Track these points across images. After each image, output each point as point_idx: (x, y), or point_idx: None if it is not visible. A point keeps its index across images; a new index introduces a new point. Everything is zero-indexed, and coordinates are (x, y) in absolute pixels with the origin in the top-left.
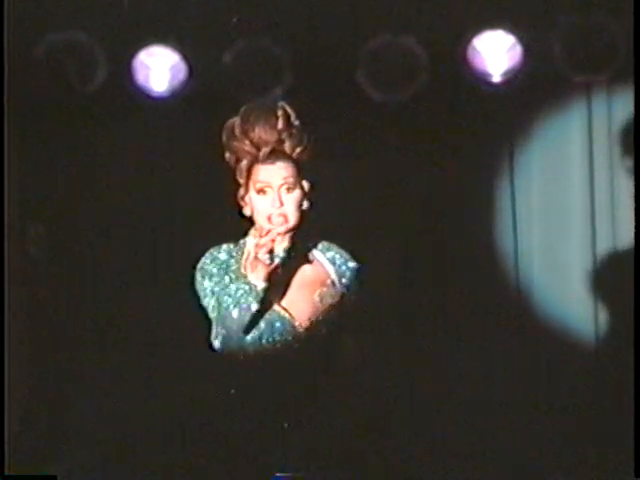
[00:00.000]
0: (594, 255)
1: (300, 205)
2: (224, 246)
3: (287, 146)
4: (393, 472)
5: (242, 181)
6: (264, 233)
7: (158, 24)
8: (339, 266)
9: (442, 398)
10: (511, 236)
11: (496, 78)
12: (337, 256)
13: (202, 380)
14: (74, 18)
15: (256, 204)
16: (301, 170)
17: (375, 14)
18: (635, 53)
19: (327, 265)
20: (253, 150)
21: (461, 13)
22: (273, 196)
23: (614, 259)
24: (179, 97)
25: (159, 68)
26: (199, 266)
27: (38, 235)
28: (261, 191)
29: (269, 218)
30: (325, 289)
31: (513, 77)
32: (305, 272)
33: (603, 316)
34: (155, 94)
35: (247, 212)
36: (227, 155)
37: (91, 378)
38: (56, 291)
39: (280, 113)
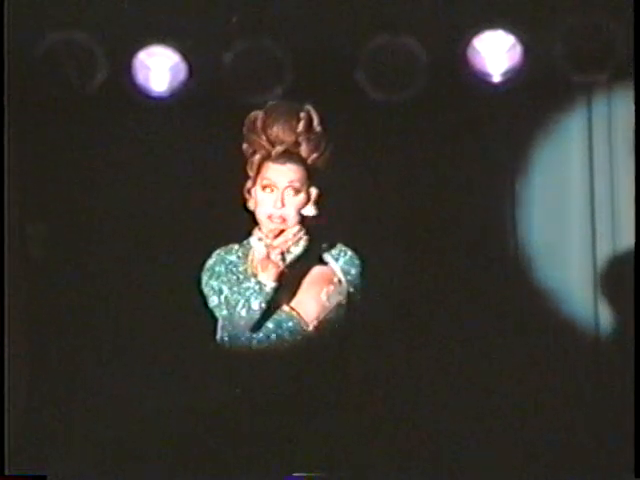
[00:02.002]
0: (594, 254)
1: (300, 209)
2: (230, 247)
3: (303, 149)
4: (399, 469)
5: (251, 174)
6: (277, 233)
7: (158, 24)
8: (344, 263)
9: (445, 395)
10: (512, 235)
11: (496, 78)
12: (342, 254)
13: (208, 379)
14: (74, 18)
15: (260, 200)
16: (312, 176)
17: (375, 14)
18: (635, 53)
19: (332, 263)
20: (268, 146)
21: (461, 13)
22: (277, 196)
23: (614, 259)
24: (179, 97)
25: (159, 68)
26: (206, 267)
27: (38, 235)
28: (267, 187)
29: (269, 217)
30: (332, 287)
31: (513, 77)
32: (312, 271)
33: (603, 316)
34: (155, 94)
35: (251, 206)
36: (245, 146)
37: (92, 378)
38: (56, 291)
39: (303, 115)
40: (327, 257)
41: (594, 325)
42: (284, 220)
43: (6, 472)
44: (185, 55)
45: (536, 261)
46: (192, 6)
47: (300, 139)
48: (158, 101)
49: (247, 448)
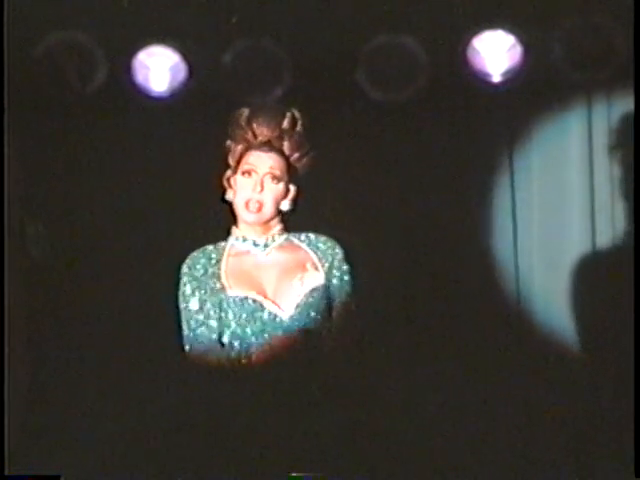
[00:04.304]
0: (594, 255)
1: (278, 200)
2: (208, 249)
3: (285, 146)
4: (386, 470)
5: (232, 163)
6: (257, 223)
7: (158, 24)
8: (321, 250)
9: (437, 395)
10: (510, 236)
11: (496, 78)
12: (320, 244)
13: (204, 378)
14: (74, 18)
15: (239, 185)
16: (292, 173)
17: (375, 14)
18: (635, 53)
19: (307, 250)
20: (252, 138)
21: (461, 13)
22: (256, 180)
23: (614, 259)
24: (179, 97)
25: (159, 68)
26: (182, 270)
27: (38, 235)
28: (246, 173)
29: (247, 203)
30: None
31: (513, 77)
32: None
33: (603, 316)
34: (155, 94)
35: (229, 196)
36: (228, 142)
37: (92, 377)
38: (56, 291)
39: (288, 115)
40: (304, 246)
41: (594, 325)
42: (261, 207)
43: (6, 472)
44: (185, 55)
45: (535, 261)
46: (192, 6)
47: (284, 136)
48: (158, 101)
49: (243, 446)
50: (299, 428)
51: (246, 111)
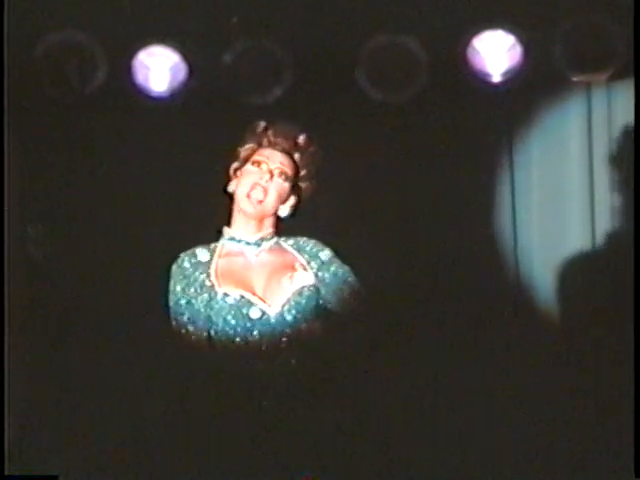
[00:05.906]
0: (593, 253)
1: (282, 199)
2: (198, 248)
3: (297, 158)
4: (384, 470)
5: (243, 156)
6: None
7: (158, 24)
8: (309, 252)
9: (435, 395)
10: (511, 236)
11: (496, 78)
12: (308, 247)
13: (202, 378)
14: (74, 18)
15: (246, 174)
16: (296, 185)
17: (375, 14)
18: (635, 53)
19: (295, 253)
20: (266, 143)
21: (461, 13)
22: (266, 169)
23: (614, 258)
24: (179, 97)
25: (159, 68)
26: (172, 269)
27: (38, 236)
28: (257, 163)
29: (252, 187)
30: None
31: (513, 77)
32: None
33: (603, 315)
34: (155, 94)
35: (231, 187)
36: (239, 149)
37: (91, 378)
38: (56, 291)
39: (305, 135)
40: (292, 250)
41: (594, 324)
42: (265, 193)
43: (6, 472)
44: (185, 55)
45: (535, 260)
46: (192, 6)
47: (297, 148)
48: (158, 101)
49: (240, 447)
50: (293, 428)
51: (263, 123)
